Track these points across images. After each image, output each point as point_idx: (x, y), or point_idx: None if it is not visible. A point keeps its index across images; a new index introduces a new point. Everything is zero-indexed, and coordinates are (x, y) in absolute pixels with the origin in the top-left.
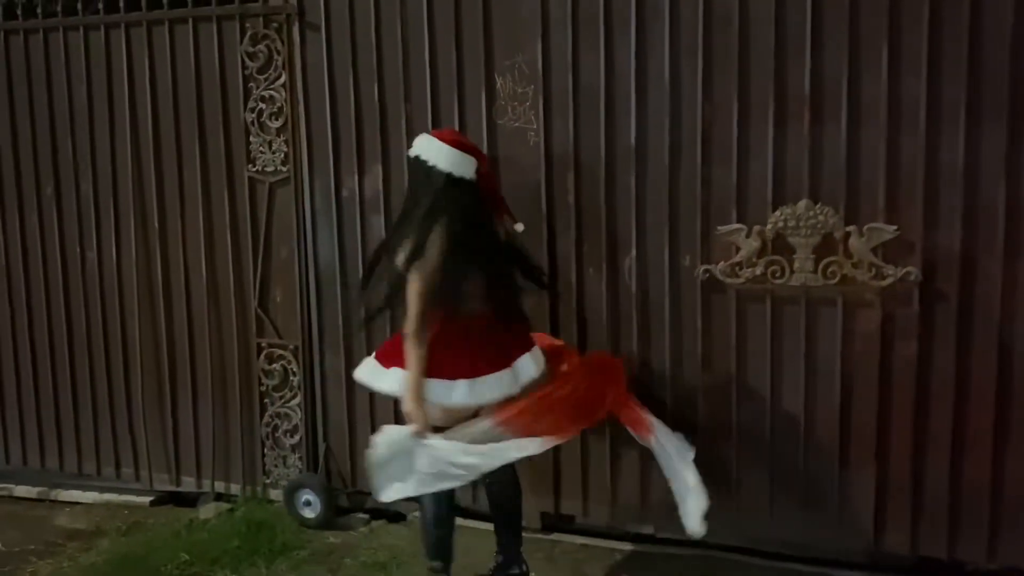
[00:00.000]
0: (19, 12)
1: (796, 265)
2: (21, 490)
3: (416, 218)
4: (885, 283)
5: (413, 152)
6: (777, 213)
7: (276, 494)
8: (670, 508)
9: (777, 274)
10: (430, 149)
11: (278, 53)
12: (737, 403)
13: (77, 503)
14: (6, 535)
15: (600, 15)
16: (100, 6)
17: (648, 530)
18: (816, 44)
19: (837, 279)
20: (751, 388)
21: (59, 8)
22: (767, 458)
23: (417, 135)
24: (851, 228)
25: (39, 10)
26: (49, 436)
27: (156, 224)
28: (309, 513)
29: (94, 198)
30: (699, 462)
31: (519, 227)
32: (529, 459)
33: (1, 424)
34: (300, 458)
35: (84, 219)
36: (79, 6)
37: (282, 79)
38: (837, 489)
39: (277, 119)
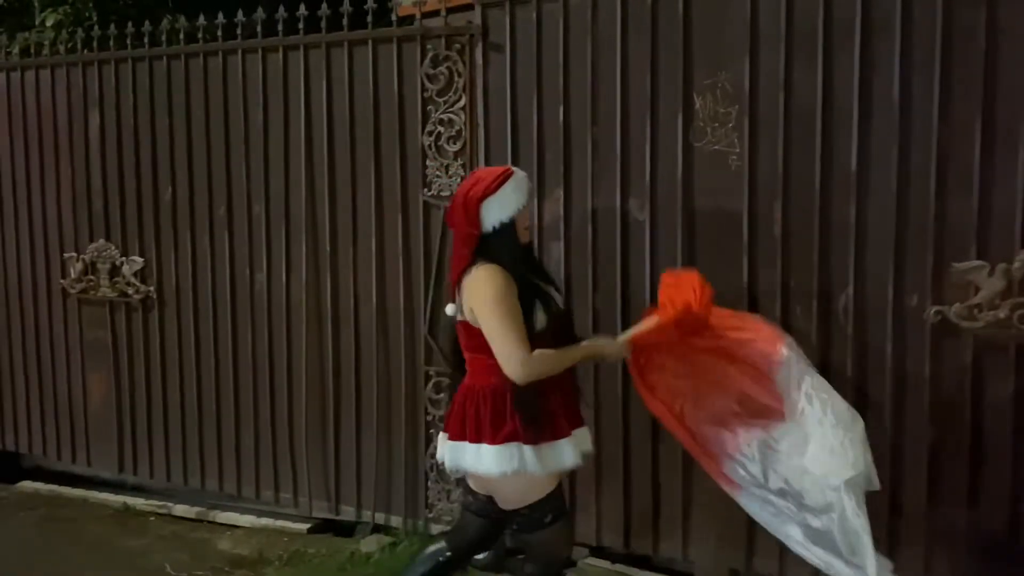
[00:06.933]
0: (200, 35)
1: None
2: (179, 509)
3: None
4: None
5: None
6: None
7: (438, 529)
8: None
9: None
10: None
11: (459, 75)
12: (972, 464)
13: (235, 526)
14: (173, 557)
15: (819, 29)
16: (280, 28)
17: None
18: None
19: None
20: (990, 449)
21: (239, 31)
22: (1013, 528)
23: (603, 158)
24: None
25: (219, 33)
26: (210, 457)
27: (327, 247)
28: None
29: (266, 220)
30: (930, 530)
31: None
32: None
33: (164, 443)
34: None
35: (255, 241)
36: (259, 29)
37: (462, 102)
38: None
39: (455, 143)
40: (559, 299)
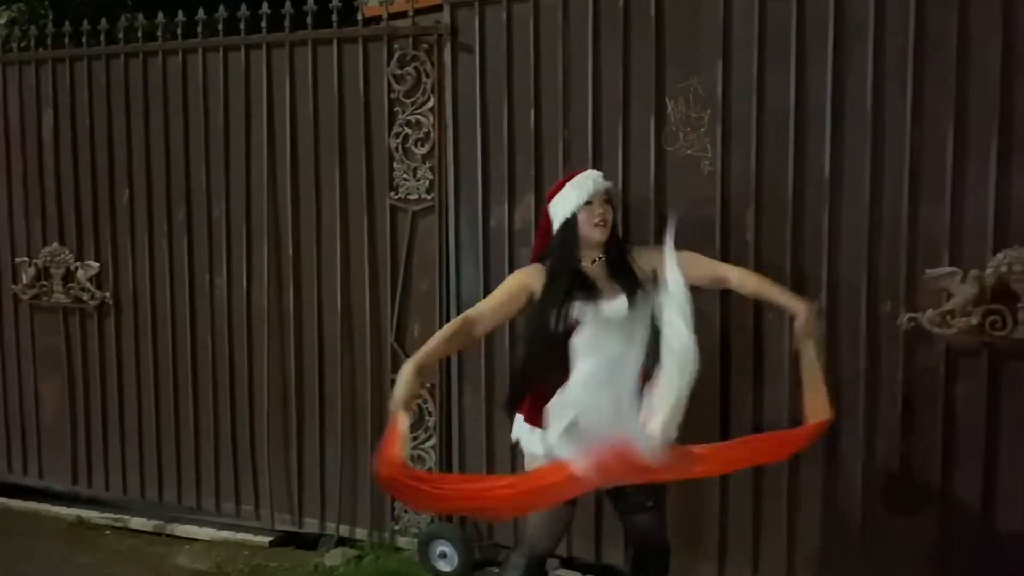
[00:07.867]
0: (159, 33)
1: (1020, 316)
2: (136, 522)
3: None
4: None
5: None
6: (999, 256)
7: (404, 541)
8: None
9: (997, 325)
10: None
11: (427, 76)
12: (944, 470)
13: (195, 539)
14: (130, 571)
15: (792, 32)
16: (242, 27)
17: None
18: None
19: None
20: (961, 454)
21: (199, 29)
22: (981, 535)
23: (575, 162)
24: None
25: (179, 31)
26: (168, 469)
27: (290, 252)
28: (445, 566)
29: (226, 224)
30: (901, 535)
31: None
32: None
33: (120, 455)
34: None
35: (215, 245)
36: (220, 27)
37: (430, 103)
38: None
39: (423, 145)
40: (614, 302)
